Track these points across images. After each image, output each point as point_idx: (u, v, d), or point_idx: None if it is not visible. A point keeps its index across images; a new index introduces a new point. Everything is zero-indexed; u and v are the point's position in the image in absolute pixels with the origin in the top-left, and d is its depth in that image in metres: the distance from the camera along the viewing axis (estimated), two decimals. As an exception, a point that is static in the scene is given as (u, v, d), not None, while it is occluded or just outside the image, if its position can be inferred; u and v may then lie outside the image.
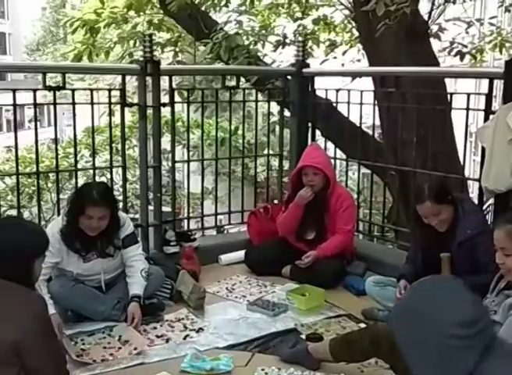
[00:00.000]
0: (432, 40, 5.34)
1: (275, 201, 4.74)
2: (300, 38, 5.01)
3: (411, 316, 1.57)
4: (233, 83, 4.48)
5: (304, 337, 3.05)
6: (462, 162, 3.99)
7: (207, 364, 2.73)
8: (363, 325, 3.16)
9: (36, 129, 3.76)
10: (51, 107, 3.81)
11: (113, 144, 9.66)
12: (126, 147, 4.36)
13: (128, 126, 5.13)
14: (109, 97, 3.95)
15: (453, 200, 3.07)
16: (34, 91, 3.66)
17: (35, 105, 3.69)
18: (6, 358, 1.90)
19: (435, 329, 1.52)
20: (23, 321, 1.94)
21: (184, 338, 3.06)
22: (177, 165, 4.31)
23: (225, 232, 6.52)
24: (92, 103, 3.86)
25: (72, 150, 12.21)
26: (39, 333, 1.97)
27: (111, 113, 4.09)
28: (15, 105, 3.59)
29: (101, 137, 10.58)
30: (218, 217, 4.72)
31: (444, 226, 3.07)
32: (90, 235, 3.14)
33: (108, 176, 10.33)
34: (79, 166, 7.27)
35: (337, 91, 4.36)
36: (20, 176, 9.19)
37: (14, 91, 3.54)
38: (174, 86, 4.26)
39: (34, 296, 2.08)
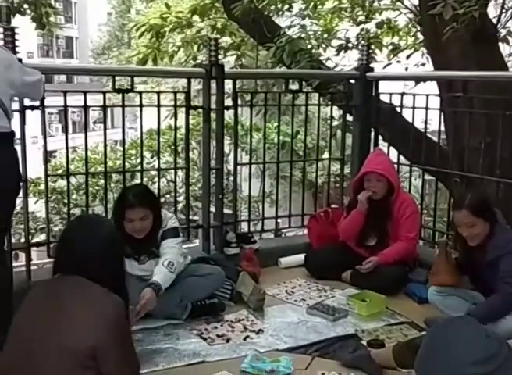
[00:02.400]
0: (500, 44, 5.20)
1: (334, 206, 4.72)
2: (363, 42, 4.98)
3: (431, 358, 1.58)
4: (295, 86, 4.50)
5: (364, 343, 3.02)
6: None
7: (267, 365, 2.74)
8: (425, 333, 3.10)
9: (105, 130, 3.90)
10: (115, 109, 3.93)
11: (173, 147, 9.83)
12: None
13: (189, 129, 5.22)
14: (175, 99, 4.04)
15: (491, 217, 3.00)
16: (104, 93, 3.78)
17: (104, 107, 3.81)
18: (83, 362, 1.92)
19: (455, 370, 1.52)
20: (99, 327, 1.94)
21: (244, 339, 3.09)
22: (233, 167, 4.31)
23: (283, 235, 6.54)
24: (159, 105, 3.96)
25: (133, 151, 12.56)
26: (115, 340, 1.98)
27: (176, 115, 4.18)
28: (85, 106, 3.72)
29: (162, 139, 10.83)
30: (278, 220, 4.74)
31: (475, 240, 3.01)
32: (138, 238, 3.19)
33: (169, 177, 10.53)
34: (139, 168, 7.48)
35: (402, 95, 4.31)
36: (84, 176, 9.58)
37: (85, 93, 3.68)
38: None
39: (113, 301, 2.04)
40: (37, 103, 3.47)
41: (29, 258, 3.57)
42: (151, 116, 4.02)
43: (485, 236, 3.00)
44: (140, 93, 3.87)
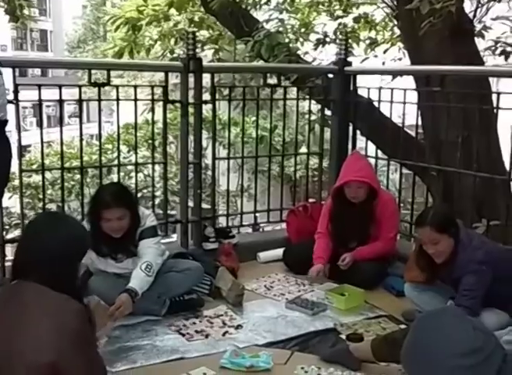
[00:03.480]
0: (476, 39, 5.25)
1: (312, 200, 4.72)
2: (340, 36, 4.97)
3: (418, 351, 1.58)
4: (273, 81, 4.48)
5: (343, 337, 3.03)
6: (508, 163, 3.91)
7: (246, 361, 2.73)
8: (403, 326, 3.11)
9: (81, 124, 3.84)
10: (90, 103, 3.87)
11: (150, 141, 9.72)
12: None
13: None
14: (152, 94, 4.00)
15: (456, 233, 2.97)
16: (80, 87, 3.72)
17: (80, 101, 3.75)
18: None
19: (441, 362, 1.53)
20: (61, 340, 1.82)
21: (223, 335, 3.07)
22: (210, 162, 4.28)
23: (261, 230, 6.53)
24: (136, 99, 3.91)
25: (109, 146, 12.39)
26: (78, 351, 1.86)
27: (153, 110, 4.14)
28: (61, 100, 3.66)
29: (139, 133, 10.74)
30: (254, 215, 4.73)
31: (441, 257, 2.98)
32: (115, 237, 3.15)
33: (146, 172, 10.48)
34: (116, 162, 7.40)
35: (379, 89, 4.32)
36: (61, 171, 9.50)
37: (60, 87, 3.61)
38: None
39: (74, 310, 1.91)
40: (10, 97, 3.40)
41: (3, 255, 3.51)
42: (127, 110, 3.97)
43: (451, 253, 2.96)
44: (117, 86, 3.82)
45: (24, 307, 1.90)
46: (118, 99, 3.84)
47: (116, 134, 9.63)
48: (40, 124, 3.86)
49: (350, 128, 4.56)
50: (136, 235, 3.23)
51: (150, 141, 10.38)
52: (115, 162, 5.53)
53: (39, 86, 3.53)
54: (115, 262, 3.25)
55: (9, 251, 3.58)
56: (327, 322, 3.25)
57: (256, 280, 3.85)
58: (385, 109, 4.62)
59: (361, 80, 4.63)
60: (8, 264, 3.63)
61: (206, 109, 4.23)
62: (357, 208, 3.75)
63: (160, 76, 4.14)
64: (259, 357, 2.77)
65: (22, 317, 1.87)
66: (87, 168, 4.12)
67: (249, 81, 6.54)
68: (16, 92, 3.41)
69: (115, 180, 9.92)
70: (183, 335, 3.04)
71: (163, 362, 2.78)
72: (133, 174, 11.02)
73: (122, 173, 8.23)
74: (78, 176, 10.20)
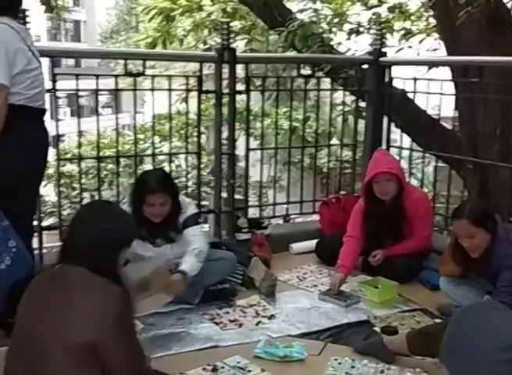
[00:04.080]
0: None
1: (343, 192, 4.69)
2: (375, 26, 4.92)
3: (457, 346, 1.56)
4: (306, 71, 4.46)
5: (377, 329, 3.01)
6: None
7: (280, 351, 2.74)
8: (438, 320, 3.09)
9: (117, 114, 3.88)
10: (123, 93, 3.91)
11: (182, 131, 9.76)
12: (195, 134, 4.42)
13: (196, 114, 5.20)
14: (186, 84, 4.02)
15: (493, 228, 2.90)
16: (116, 76, 3.76)
17: (116, 90, 3.78)
18: (85, 356, 1.87)
19: (481, 357, 1.50)
20: (103, 321, 1.88)
21: (257, 324, 3.09)
22: (242, 153, 4.26)
23: (292, 221, 6.53)
24: (170, 89, 3.94)
25: (141, 136, 12.56)
26: (119, 334, 1.92)
27: (187, 100, 4.16)
28: (97, 90, 3.70)
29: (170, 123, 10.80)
30: (285, 206, 4.73)
31: (476, 251, 2.92)
32: (155, 222, 3.20)
33: (177, 162, 10.56)
34: (149, 152, 7.46)
35: (415, 80, 4.26)
36: (94, 160, 9.58)
37: (97, 76, 3.66)
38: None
39: (117, 293, 1.96)
40: (48, 86, 3.44)
41: (41, 242, 3.58)
42: (159, 101, 3.99)
43: (486, 247, 2.90)
44: (152, 76, 3.84)
45: (68, 289, 1.96)
46: (153, 89, 3.86)
47: (147, 125, 9.74)
48: (77, 114, 3.91)
49: (385, 120, 4.51)
50: (179, 222, 3.26)
51: (181, 132, 10.46)
52: (147, 151, 5.57)
53: (76, 75, 3.58)
54: (153, 246, 3.28)
55: (44, 239, 3.66)
56: (360, 314, 3.24)
57: (288, 271, 3.85)
58: (418, 101, 4.55)
59: (395, 70, 4.57)
60: (45, 251, 3.71)
61: (237, 100, 4.21)
62: (387, 206, 3.69)
63: (192, 66, 4.18)
64: (293, 347, 2.78)
65: (65, 298, 1.93)
66: (122, 157, 4.19)
67: (280, 72, 6.52)
68: (53, 81, 3.46)
69: (148, 169, 10.04)
70: (217, 324, 3.07)
71: (197, 350, 2.81)
72: (164, 164, 11.13)
73: (155, 164, 8.30)
74: (110, 166, 10.35)
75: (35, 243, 3.62)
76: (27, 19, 3.28)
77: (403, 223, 3.70)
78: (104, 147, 11.40)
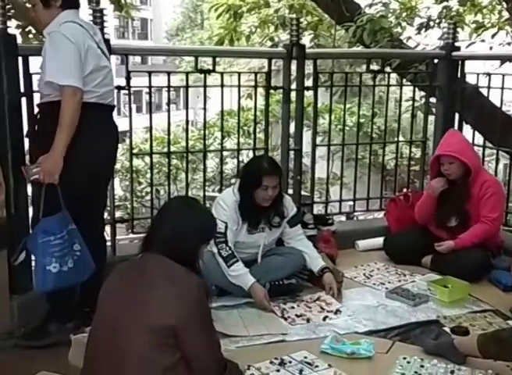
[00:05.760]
0: None
1: (411, 190, 4.61)
2: (445, 20, 4.80)
3: None
4: (374, 67, 4.40)
5: (447, 329, 2.95)
6: None
7: (347, 347, 2.73)
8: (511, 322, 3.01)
9: (187, 110, 3.95)
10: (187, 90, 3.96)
11: (245, 127, 9.81)
12: (257, 130, 4.45)
13: (260, 110, 5.22)
14: (255, 80, 4.05)
15: None
16: (187, 73, 3.84)
17: (187, 87, 3.85)
18: (165, 340, 1.94)
19: None
20: (181, 307, 1.96)
21: (323, 319, 3.10)
22: (305, 150, 4.24)
23: (355, 218, 6.47)
24: (239, 86, 3.98)
25: (205, 132, 12.58)
26: (195, 321, 1.99)
27: (256, 96, 4.19)
28: (169, 86, 3.80)
29: (234, 120, 10.88)
30: (348, 203, 4.69)
31: None
32: (264, 206, 3.27)
33: (240, 158, 10.68)
34: (211, 148, 7.59)
35: (489, 75, 4.13)
36: (159, 156, 9.81)
37: (169, 73, 3.75)
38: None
39: (196, 281, 2.06)
40: (120, 83, 3.55)
41: (114, 234, 3.70)
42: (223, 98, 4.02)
43: None
44: (222, 73, 3.90)
45: (150, 276, 2.05)
46: (222, 86, 3.91)
47: (212, 121, 9.86)
48: (149, 110, 4.02)
49: (457, 116, 4.40)
50: (285, 221, 3.42)
51: (245, 128, 10.53)
52: (211, 147, 5.65)
53: (149, 73, 3.67)
54: (248, 233, 3.35)
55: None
56: (429, 313, 3.18)
57: (355, 268, 3.83)
58: (492, 96, 4.41)
59: (467, 65, 4.45)
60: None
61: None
62: (454, 185, 3.71)
63: (256, 63, 4.19)
64: (360, 344, 2.76)
65: (148, 285, 2.02)
66: (191, 152, 4.30)
67: (345, 68, 6.46)
68: (128, 79, 3.56)
69: (212, 165, 10.16)
70: (285, 319, 3.09)
71: (265, 344, 2.84)
72: (228, 160, 11.23)
73: (217, 159, 8.40)
74: (174, 162, 10.54)
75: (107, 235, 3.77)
76: (104, 19, 3.39)
77: (468, 203, 3.69)
78: (168, 143, 11.62)
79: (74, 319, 2.89)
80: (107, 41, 3.30)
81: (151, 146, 4.03)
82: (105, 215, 4.11)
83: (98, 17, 3.35)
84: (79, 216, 2.82)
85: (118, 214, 10.54)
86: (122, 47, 3.65)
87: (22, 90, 3.03)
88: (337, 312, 3.18)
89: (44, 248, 2.69)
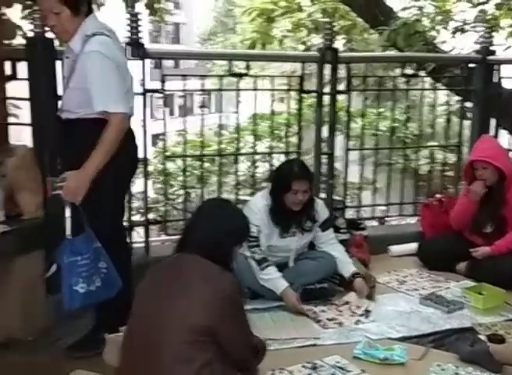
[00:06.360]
0: None
1: (443, 195, 4.55)
2: (480, 24, 4.74)
3: None
4: (409, 71, 4.36)
5: (482, 337, 2.90)
6: None
7: (380, 353, 2.71)
8: (549, 332, 2.94)
9: (220, 113, 3.98)
10: (218, 94, 3.99)
11: (276, 131, 9.82)
12: (289, 134, 4.45)
13: (292, 114, 5.21)
14: (289, 84, 4.06)
15: None
16: (221, 77, 3.87)
17: (221, 90, 3.88)
18: (200, 337, 1.97)
19: None
20: (216, 306, 2.00)
21: (356, 323, 3.08)
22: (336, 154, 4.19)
23: (383, 224, 6.39)
24: (272, 90, 4.01)
25: (236, 135, 12.68)
26: (231, 318, 2.05)
27: (288, 100, 4.20)
28: (203, 90, 3.84)
29: (265, 123, 10.90)
30: (380, 208, 4.65)
31: None
32: (294, 210, 3.27)
33: (271, 162, 10.64)
34: (243, 151, 7.60)
35: (527, 80, 4.07)
36: (190, 159, 9.87)
37: (204, 77, 3.79)
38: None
39: (230, 279, 2.11)
40: (157, 86, 3.59)
41: (147, 235, 3.74)
42: (253, 102, 4.04)
43: None
44: (256, 77, 3.92)
45: (186, 274, 2.09)
46: (256, 89, 3.93)
47: (243, 124, 9.91)
48: (184, 112, 4.08)
49: (493, 121, 4.33)
50: (313, 214, 3.38)
51: (276, 132, 10.54)
52: (243, 150, 5.65)
53: (184, 76, 3.72)
54: (280, 236, 3.34)
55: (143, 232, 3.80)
56: (464, 320, 3.14)
57: (387, 273, 3.80)
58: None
59: (503, 70, 4.38)
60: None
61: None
62: (489, 190, 3.67)
63: (288, 67, 4.20)
64: (393, 350, 2.73)
65: (184, 283, 2.06)
66: (223, 156, 4.35)
67: (375, 71, 6.39)
68: (162, 82, 3.60)
69: (242, 168, 10.18)
70: (318, 322, 3.09)
71: (297, 347, 2.84)
72: (259, 164, 11.24)
73: (248, 163, 8.42)
74: (206, 165, 10.60)
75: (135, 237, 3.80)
76: (139, 23, 3.44)
77: (504, 209, 3.64)
78: (203, 146, 11.72)
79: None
80: (141, 45, 3.36)
81: (184, 148, 4.07)
82: (138, 217, 4.19)
83: (134, 21, 3.41)
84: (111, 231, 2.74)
85: (150, 216, 10.65)
86: (156, 51, 3.69)
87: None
88: (367, 312, 3.18)
89: (70, 267, 2.61)
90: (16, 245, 2.89)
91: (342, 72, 4.15)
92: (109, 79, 2.56)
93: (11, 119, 3.46)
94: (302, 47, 7.08)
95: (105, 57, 2.55)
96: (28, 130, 3.20)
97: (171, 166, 11.24)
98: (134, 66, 3.11)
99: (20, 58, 3.18)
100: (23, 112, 3.43)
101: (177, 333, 1.98)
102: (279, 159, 4.66)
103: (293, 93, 4.10)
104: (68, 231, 2.62)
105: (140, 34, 3.42)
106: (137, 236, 3.90)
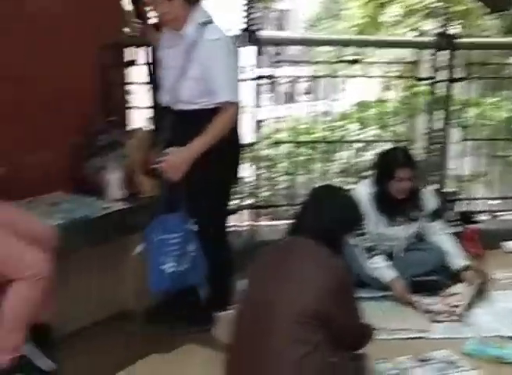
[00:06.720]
0: None
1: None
2: None
3: None
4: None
5: None
6: None
7: (493, 350, 2.61)
8: None
9: (334, 100, 3.96)
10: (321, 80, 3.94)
11: (381, 119, 9.63)
12: (397, 122, 4.34)
13: (398, 101, 5.07)
14: (400, 71, 3.97)
15: None
16: (332, 64, 3.85)
17: (332, 77, 3.87)
18: (311, 322, 1.97)
19: None
20: (327, 291, 2.00)
21: (465, 318, 2.98)
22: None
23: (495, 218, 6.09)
24: (383, 76, 3.94)
25: (340, 123, 12.61)
26: (341, 301, 2.05)
27: (397, 87, 4.11)
28: (314, 76, 3.83)
29: (371, 111, 10.71)
30: (489, 202, 4.45)
31: None
32: (399, 198, 3.22)
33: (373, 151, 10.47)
34: (347, 139, 7.51)
35: None
36: (289, 145, 9.86)
37: (316, 63, 3.78)
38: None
39: (340, 263, 2.12)
40: (264, 73, 3.62)
41: (254, 219, 3.81)
42: (358, 89, 3.98)
43: None
44: (368, 63, 3.87)
45: (298, 257, 2.12)
46: (365, 76, 3.88)
47: (347, 112, 9.80)
48: (288, 99, 4.08)
49: None
50: (419, 202, 3.31)
51: (381, 120, 10.34)
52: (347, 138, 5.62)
53: (296, 63, 3.73)
54: (387, 225, 3.31)
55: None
56: None
57: (501, 269, 3.62)
58: None
59: None
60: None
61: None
62: None
63: (397, 53, 4.09)
64: (506, 349, 2.63)
65: (296, 266, 2.08)
66: (330, 142, 4.33)
67: (490, 59, 6.08)
68: (274, 68, 3.63)
69: (344, 156, 10.11)
70: (427, 313, 3.02)
71: (405, 339, 2.80)
72: (362, 152, 11.08)
73: (352, 151, 8.31)
74: (309, 151, 10.61)
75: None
76: (254, 10, 3.48)
77: None
78: (301, 133, 11.74)
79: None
80: (253, 32, 3.39)
81: (291, 135, 4.10)
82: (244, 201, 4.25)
83: (249, 8, 3.46)
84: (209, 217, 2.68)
85: (249, 201, 10.80)
86: (271, 38, 3.73)
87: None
88: (479, 312, 3.05)
89: (160, 245, 2.55)
90: (133, 222, 3.01)
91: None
92: (232, 69, 2.57)
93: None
94: (411, 33, 6.86)
95: (227, 44, 2.57)
96: (142, 114, 3.26)
97: (272, 152, 11.40)
98: (244, 53, 3.14)
99: (139, 44, 3.26)
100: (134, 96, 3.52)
101: (287, 317, 1.99)
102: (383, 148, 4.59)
103: (401, 80, 4.00)
104: (162, 209, 2.58)
105: (255, 21, 3.46)
106: (240, 220, 3.95)
